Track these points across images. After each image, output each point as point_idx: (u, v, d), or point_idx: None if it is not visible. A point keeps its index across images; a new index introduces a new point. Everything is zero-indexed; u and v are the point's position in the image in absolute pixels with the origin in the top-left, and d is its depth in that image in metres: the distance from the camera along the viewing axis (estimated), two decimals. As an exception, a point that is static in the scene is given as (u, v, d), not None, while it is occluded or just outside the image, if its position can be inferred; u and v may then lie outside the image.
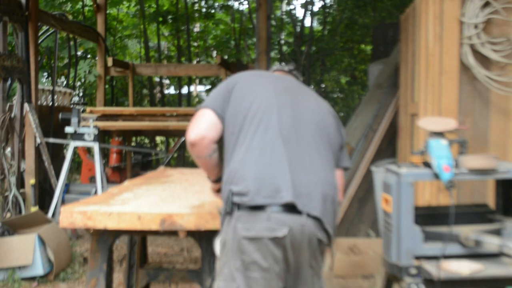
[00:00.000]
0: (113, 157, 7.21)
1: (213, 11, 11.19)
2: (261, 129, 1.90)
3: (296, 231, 1.80)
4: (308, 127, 1.97)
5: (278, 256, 1.80)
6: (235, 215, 1.83)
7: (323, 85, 11.45)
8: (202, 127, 1.96)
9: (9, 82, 5.42)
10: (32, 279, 4.08)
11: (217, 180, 2.14)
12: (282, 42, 11.56)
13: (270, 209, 1.79)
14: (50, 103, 6.61)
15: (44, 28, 7.24)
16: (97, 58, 7.67)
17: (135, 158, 7.86)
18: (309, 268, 1.90)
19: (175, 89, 12.06)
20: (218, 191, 2.20)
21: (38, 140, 5.25)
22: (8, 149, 5.07)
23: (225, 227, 1.88)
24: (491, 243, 1.94)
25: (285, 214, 1.80)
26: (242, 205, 1.82)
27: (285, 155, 1.87)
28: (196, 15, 10.96)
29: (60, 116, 5.39)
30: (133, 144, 8.69)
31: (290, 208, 1.80)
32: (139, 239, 3.19)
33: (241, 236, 1.80)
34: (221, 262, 1.89)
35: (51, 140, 5.75)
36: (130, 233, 2.51)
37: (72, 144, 5.33)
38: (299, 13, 19.41)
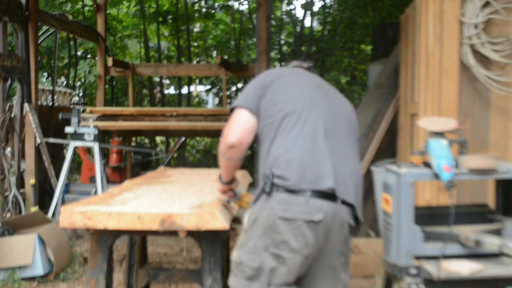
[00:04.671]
0: (113, 157, 7.21)
1: (213, 11, 11.19)
2: (302, 120, 2.01)
3: (330, 216, 1.93)
4: (342, 120, 2.12)
5: (309, 240, 1.91)
6: (274, 195, 1.93)
7: (323, 85, 11.41)
8: (241, 130, 2.04)
9: (9, 82, 5.41)
10: (32, 279, 4.08)
11: (229, 182, 2.26)
12: (282, 42, 11.55)
13: (309, 194, 1.90)
14: (50, 103, 6.61)
15: (44, 28, 7.24)
16: (97, 58, 7.66)
17: (135, 158, 7.86)
18: (339, 254, 2.03)
19: (175, 89, 12.05)
20: (225, 192, 2.31)
21: (38, 140, 5.25)
22: (8, 149, 5.06)
23: (260, 205, 1.98)
24: (491, 243, 1.93)
25: (322, 200, 1.91)
26: (282, 187, 1.92)
27: (326, 145, 1.99)
28: (196, 15, 10.95)
29: (60, 116, 5.39)
30: (133, 144, 8.69)
31: (327, 195, 1.92)
32: (139, 239, 3.19)
33: (277, 215, 1.90)
34: (247, 236, 2.00)
35: (51, 140, 5.75)
36: (130, 233, 2.51)
37: (72, 144, 5.33)
38: (299, 13, 19.43)
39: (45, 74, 9.60)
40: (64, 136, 6.09)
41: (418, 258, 2.01)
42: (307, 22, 11.04)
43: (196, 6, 11.08)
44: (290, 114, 2.01)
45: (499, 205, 2.23)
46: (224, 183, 2.28)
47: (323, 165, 1.94)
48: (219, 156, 2.13)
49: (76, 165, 9.32)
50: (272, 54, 10.59)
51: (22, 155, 5.24)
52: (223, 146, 2.06)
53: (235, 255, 2.04)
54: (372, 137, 5.06)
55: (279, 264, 1.92)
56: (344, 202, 1.97)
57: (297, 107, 2.03)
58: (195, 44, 11.72)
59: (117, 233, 2.28)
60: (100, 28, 7.52)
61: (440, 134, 2.11)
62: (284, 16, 11.76)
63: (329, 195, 1.93)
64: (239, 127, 2.04)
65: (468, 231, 2.01)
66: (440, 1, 3.40)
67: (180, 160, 9.55)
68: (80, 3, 9.80)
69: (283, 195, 1.92)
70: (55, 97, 6.74)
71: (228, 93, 10.72)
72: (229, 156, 2.08)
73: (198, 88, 14.40)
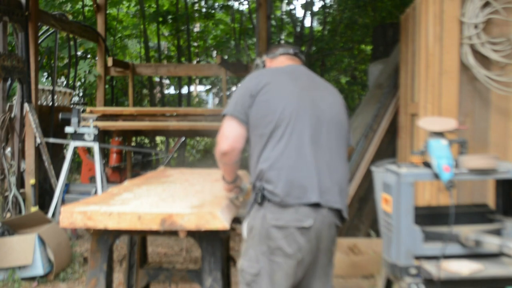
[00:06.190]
0: (113, 157, 7.21)
1: (213, 11, 11.19)
2: (288, 132, 2.08)
3: (319, 221, 2.05)
4: (328, 125, 2.17)
5: (302, 244, 2.03)
6: (265, 205, 2.05)
7: (323, 85, 11.39)
8: (232, 137, 2.14)
9: (9, 82, 5.41)
10: (32, 279, 4.08)
11: (232, 181, 2.38)
12: (282, 42, 11.55)
13: (297, 205, 2.02)
14: (50, 103, 6.61)
15: (44, 28, 7.24)
16: (97, 58, 7.66)
17: (135, 158, 7.85)
18: (328, 253, 2.17)
19: (175, 89, 12.06)
20: (231, 190, 2.44)
21: (38, 140, 5.24)
22: (8, 149, 5.06)
23: (254, 214, 2.11)
24: (491, 243, 1.93)
25: (310, 209, 2.03)
26: (272, 201, 2.03)
27: (312, 156, 2.08)
28: (196, 15, 10.96)
29: (60, 116, 5.39)
30: (133, 144, 8.69)
31: (314, 204, 2.04)
32: (139, 239, 3.19)
33: (270, 224, 2.02)
34: (247, 244, 2.12)
35: (51, 140, 5.75)
36: (130, 233, 2.51)
37: (72, 144, 5.33)
38: (299, 13, 19.40)
39: (45, 74, 9.61)
40: (64, 136, 6.09)
41: (418, 258, 2.01)
42: (307, 22, 11.06)
43: (196, 6, 11.08)
44: (277, 127, 2.09)
45: (499, 205, 2.23)
46: (228, 183, 2.40)
47: (308, 179, 2.04)
48: (217, 161, 2.24)
49: (76, 165, 9.31)
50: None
51: (22, 155, 5.24)
52: (217, 154, 2.18)
53: (239, 263, 2.15)
54: (372, 137, 5.05)
55: (276, 270, 2.02)
56: (331, 208, 2.09)
57: (283, 119, 2.09)
58: (195, 44, 11.72)
59: (117, 233, 2.27)
60: (100, 28, 7.51)
61: (440, 134, 2.10)
62: (284, 16, 11.76)
63: (316, 204, 2.04)
64: (229, 136, 2.14)
65: (468, 231, 2.01)
66: (440, 1, 3.40)
67: (180, 160, 9.55)
68: (80, 3, 9.80)
69: (274, 206, 2.04)
70: (55, 97, 6.74)
71: (228, 93, 10.70)
72: (225, 162, 2.21)
73: (198, 88, 14.40)
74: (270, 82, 2.17)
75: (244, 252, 2.13)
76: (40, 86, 6.00)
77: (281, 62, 2.39)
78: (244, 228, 2.15)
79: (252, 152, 2.17)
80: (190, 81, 11.37)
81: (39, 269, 4.06)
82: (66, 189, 5.69)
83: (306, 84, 2.25)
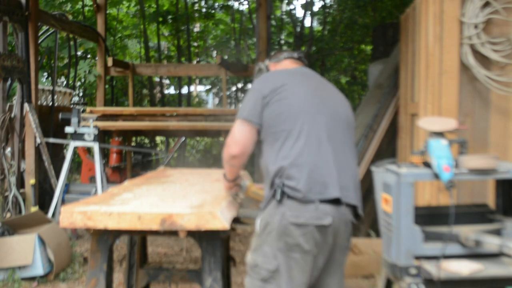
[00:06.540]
0: (113, 157, 7.21)
1: (213, 11, 11.19)
2: (306, 130, 2.12)
3: (336, 218, 2.09)
4: (340, 124, 2.23)
5: (319, 241, 2.07)
6: (285, 202, 2.07)
7: (323, 85, 11.39)
8: (243, 142, 2.17)
9: (9, 82, 5.41)
10: (32, 279, 4.08)
11: (234, 180, 2.42)
12: (282, 42, 11.55)
13: (317, 201, 2.05)
14: (50, 103, 6.61)
15: (44, 28, 7.24)
16: (97, 58, 7.67)
17: (135, 158, 7.85)
18: (345, 249, 2.23)
19: (175, 89, 12.05)
20: (231, 188, 2.48)
21: (38, 140, 5.25)
22: (8, 149, 5.06)
23: (271, 210, 2.11)
24: (491, 243, 1.93)
25: (329, 206, 2.07)
26: (292, 197, 2.06)
27: (331, 154, 2.12)
28: (196, 15, 10.96)
29: (60, 116, 5.39)
30: (133, 144, 8.69)
31: (333, 200, 2.08)
32: (139, 239, 3.19)
33: (289, 221, 2.04)
34: (260, 239, 2.13)
35: (51, 140, 5.75)
36: (130, 233, 2.51)
37: (72, 144, 5.33)
38: (299, 13, 19.41)
39: (45, 74, 9.61)
40: (64, 136, 6.09)
41: (418, 258, 2.01)
42: (307, 22, 11.06)
43: (196, 6, 11.08)
44: (295, 125, 2.12)
45: (499, 205, 2.23)
46: (229, 181, 2.43)
47: (329, 176, 2.08)
48: (224, 162, 2.27)
49: (76, 165, 9.31)
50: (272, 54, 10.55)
51: (22, 155, 5.24)
52: (226, 156, 2.20)
53: (249, 258, 2.16)
54: (372, 137, 5.05)
55: (293, 265, 2.05)
56: (348, 204, 2.13)
57: (300, 117, 2.13)
58: (195, 44, 11.72)
59: (117, 233, 2.27)
60: (100, 28, 7.52)
61: (440, 134, 2.10)
62: (284, 16, 11.76)
63: (335, 201, 2.08)
64: (240, 140, 2.16)
65: (468, 231, 2.00)
66: (440, 1, 3.40)
67: (180, 160, 9.54)
68: (80, 3, 9.80)
69: (294, 202, 2.05)
70: (55, 97, 6.74)
71: (228, 93, 10.71)
72: (233, 164, 2.25)
73: (198, 88, 14.40)
74: (285, 83, 2.21)
75: (257, 248, 2.13)
76: (40, 86, 6.00)
77: (286, 66, 2.44)
78: (258, 223, 2.16)
79: (268, 151, 2.18)
80: (190, 81, 11.36)
81: (39, 269, 4.06)
82: (66, 189, 5.69)
83: (315, 84, 2.32)
